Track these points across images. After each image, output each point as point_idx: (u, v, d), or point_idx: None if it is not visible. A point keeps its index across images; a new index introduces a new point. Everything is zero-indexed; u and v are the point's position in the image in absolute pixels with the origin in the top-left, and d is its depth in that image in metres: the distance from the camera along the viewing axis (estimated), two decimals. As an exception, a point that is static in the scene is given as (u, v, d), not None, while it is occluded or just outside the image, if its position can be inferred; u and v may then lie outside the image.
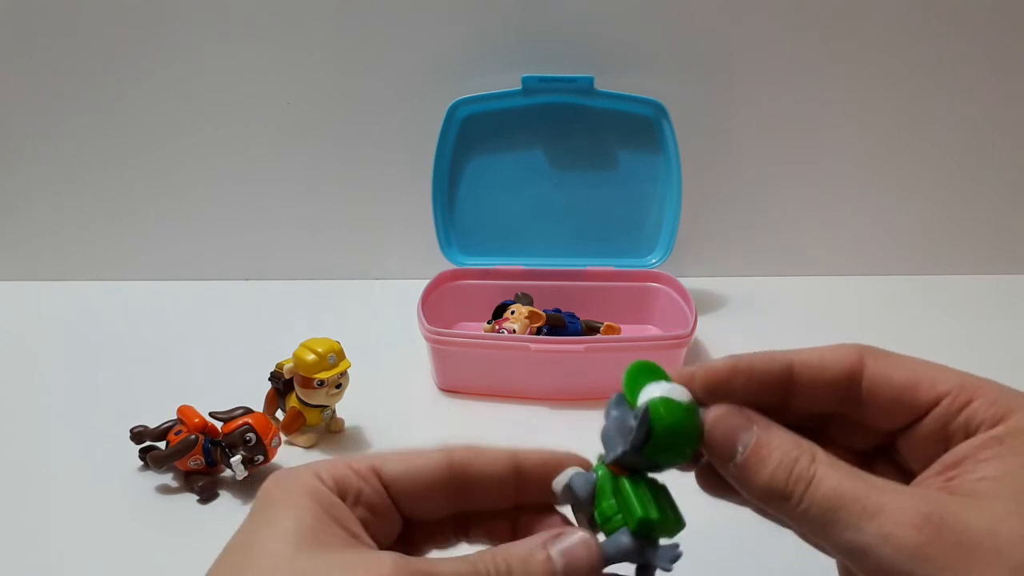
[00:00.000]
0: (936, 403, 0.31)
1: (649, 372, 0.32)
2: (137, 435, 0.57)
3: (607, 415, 0.32)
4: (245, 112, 0.81)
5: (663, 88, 0.77)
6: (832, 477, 0.28)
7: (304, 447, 0.59)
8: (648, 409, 0.30)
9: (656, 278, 0.76)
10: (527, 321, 0.68)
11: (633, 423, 0.30)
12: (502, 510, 0.32)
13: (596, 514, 0.30)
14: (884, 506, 0.27)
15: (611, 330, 0.72)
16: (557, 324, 0.69)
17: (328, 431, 0.61)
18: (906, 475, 0.32)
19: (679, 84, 0.79)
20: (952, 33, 0.79)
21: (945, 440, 0.31)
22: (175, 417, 0.57)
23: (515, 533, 0.32)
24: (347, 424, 0.62)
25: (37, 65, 0.79)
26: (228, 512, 0.53)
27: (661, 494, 0.31)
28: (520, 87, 0.76)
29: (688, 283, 0.74)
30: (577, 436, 0.61)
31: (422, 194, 0.78)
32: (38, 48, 0.78)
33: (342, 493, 0.29)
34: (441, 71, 0.79)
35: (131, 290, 0.85)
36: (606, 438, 0.31)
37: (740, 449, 0.30)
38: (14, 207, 0.85)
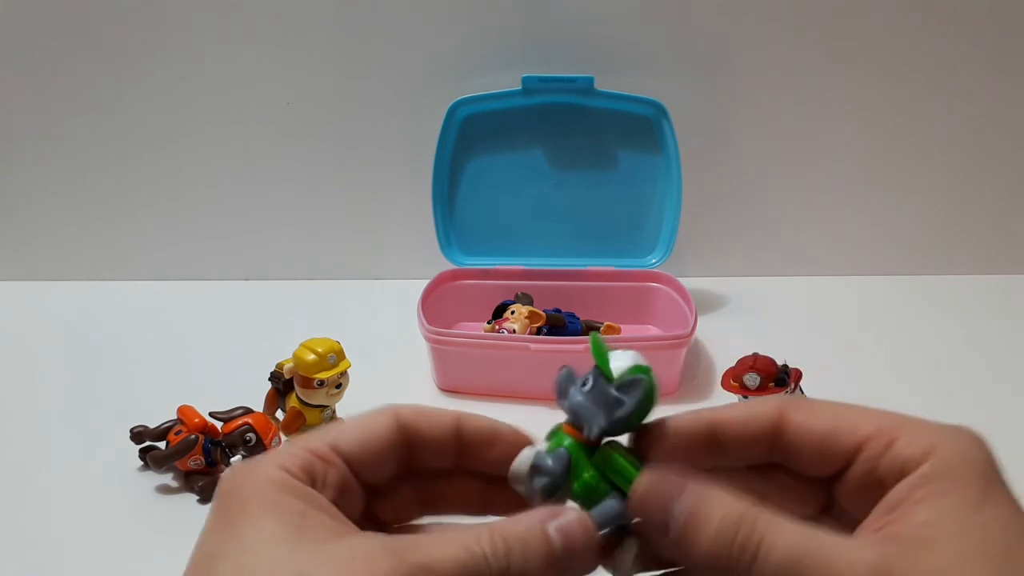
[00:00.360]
0: (860, 448, 0.31)
1: (601, 344, 0.33)
2: (137, 435, 0.57)
3: (572, 391, 0.32)
4: (245, 112, 0.81)
5: (663, 88, 0.77)
6: (782, 539, 0.27)
7: (304, 447, 0.59)
8: (646, 378, 0.31)
9: (656, 278, 0.76)
10: (527, 321, 0.67)
11: (619, 394, 0.31)
12: (468, 482, 0.33)
13: (576, 487, 0.30)
14: (834, 564, 0.26)
15: (611, 330, 0.72)
16: (557, 324, 0.69)
17: (328, 431, 0.61)
18: (851, 527, 0.31)
19: (679, 84, 0.79)
20: (952, 33, 0.79)
21: (879, 484, 0.30)
22: (175, 417, 0.57)
23: (486, 506, 0.32)
24: (347, 424, 0.62)
25: (37, 65, 0.79)
26: (228, 512, 0.53)
27: (630, 451, 0.31)
28: (520, 87, 0.76)
29: (688, 283, 0.74)
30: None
31: (422, 194, 0.78)
32: (38, 48, 0.78)
33: (311, 480, 0.28)
34: (441, 71, 0.79)
35: (131, 290, 0.85)
36: (583, 412, 0.32)
37: (677, 517, 0.28)
38: (14, 207, 0.85)
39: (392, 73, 0.79)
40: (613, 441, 0.32)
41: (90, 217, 0.85)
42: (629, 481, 0.30)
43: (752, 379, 0.55)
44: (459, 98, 0.76)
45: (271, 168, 0.83)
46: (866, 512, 0.30)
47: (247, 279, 0.87)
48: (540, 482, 0.31)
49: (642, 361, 0.32)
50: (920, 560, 0.27)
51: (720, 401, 0.61)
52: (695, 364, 0.70)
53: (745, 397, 0.56)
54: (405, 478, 0.32)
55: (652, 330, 0.76)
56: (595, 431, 0.31)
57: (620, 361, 0.32)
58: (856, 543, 0.28)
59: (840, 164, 0.84)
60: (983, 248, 0.87)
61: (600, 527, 0.29)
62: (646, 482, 0.29)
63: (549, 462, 0.31)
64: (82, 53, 0.78)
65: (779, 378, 0.56)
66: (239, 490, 0.28)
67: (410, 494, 0.32)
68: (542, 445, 0.32)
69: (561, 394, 0.33)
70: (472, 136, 0.77)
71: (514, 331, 0.66)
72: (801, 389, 0.60)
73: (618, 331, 0.72)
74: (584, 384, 0.32)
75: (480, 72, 0.78)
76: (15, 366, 0.72)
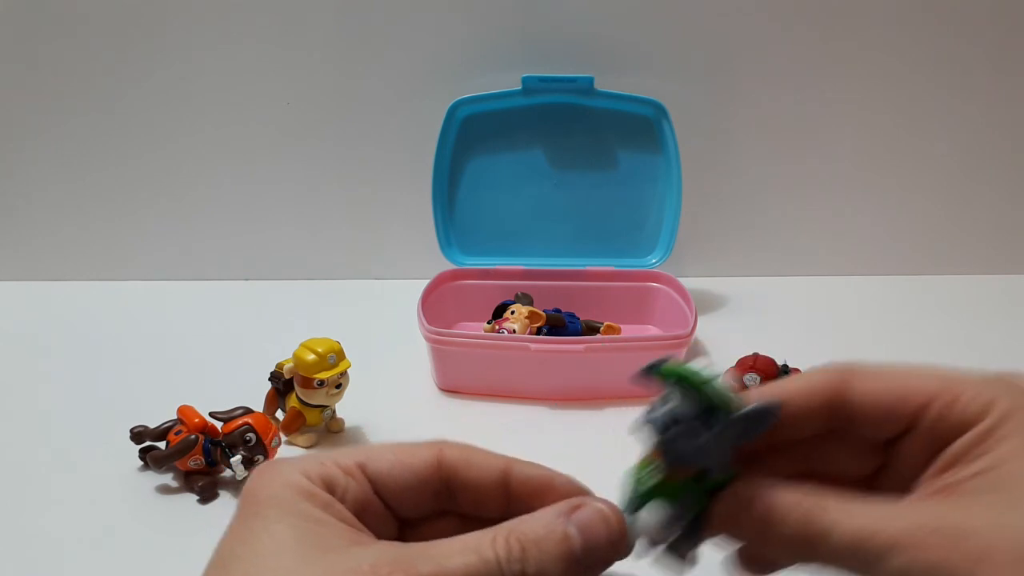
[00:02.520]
0: (925, 408, 0.32)
1: (680, 373, 0.31)
2: (137, 435, 0.57)
3: (668, 423, 0.30)
4: (245, 112, 0.81)
5: (663, 88, 0.77)
6: (846, 523, 0.29)
7: (304, 447, 0.59)
8: (767, 405, 0.31)
9: (656, 278, 0.76)
10: (527, 321, 0.67)
11: (747, 427, 0.30)
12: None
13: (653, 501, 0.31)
14: (897, 534, 0.28)
15: (611, 330, 0.72)
16: (557, 324, 0.69)
17: (328, 431, 0.61)
18: (909, 481, 0.32)
19: (679, 84, 0.79)
20: (952, 33, 0.79)
21: (940, 441, 0.31)
22: (175, 417, 0.57)
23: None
24: (347, 424, 0.62)
25: (37, 65, 0.79)
26: (228, 512, 0.53)
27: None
28: (520, 87, 0.76)
29: (688, 283, 0.74)
30: (577, 436, 0.62)
31: (422, 194, 0.78)
32: (38, 48, 0.78)
33: (330, 490, 0.28)
34: (441, 71, 0.79)
35: (131, 290, 0.85)
36: (692, 450, 0.31)
37: (756, 522, 0.30)
38: (14, 207, 0.85)
39: (392, 73, 0.79)
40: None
41: (90, 217, 0.85)
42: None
43: (752, 379, 0.55)
44: (459, 98, 0.76)
45: (271, 168, 0.83)
46: (923, 468, 0.31)
47: (247, 279, 0.87)
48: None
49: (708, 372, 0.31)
50: (975, 511, 0.28)
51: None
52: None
53: (745, 397, 0.56)
54: (447, 512, 0.31)
55: (652, 330, 0.76)
56: (717, 472, 0.31)
57: (719, 387, 0.31)
58: (913, 508, 0.30)
59: (840, 164, 0.84)
60: (983, 248, 0.87)
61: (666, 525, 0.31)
62: (726, 498, 0.31)
63: (652, 517, 0.31)
64: (83, 53, 0.79)
65: (779, 378, 0.56)
66: (259, 491, 0.28)
67: (452, 529, 0.30)
68: (629, 482, 0.32)
69: (680, 442, 0.31)
70: (472, 136, 0.77)
71: (514, 331, 0.66)
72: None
73: (618, 331, 0.72)
74: (709, 427, 0.30)
75: (480, 72, 0.78)
76: (15, 366, 0.72)
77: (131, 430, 0.57)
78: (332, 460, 0.29)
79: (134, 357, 0.72)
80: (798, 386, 0.33)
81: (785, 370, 0.57)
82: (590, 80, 0.76)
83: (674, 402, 0.30)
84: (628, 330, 0.74)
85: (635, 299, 0.76)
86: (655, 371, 0.30)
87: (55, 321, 0.80)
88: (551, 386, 0.65)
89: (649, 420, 0.30)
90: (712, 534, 0.32)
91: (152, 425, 0.57)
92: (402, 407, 0.65)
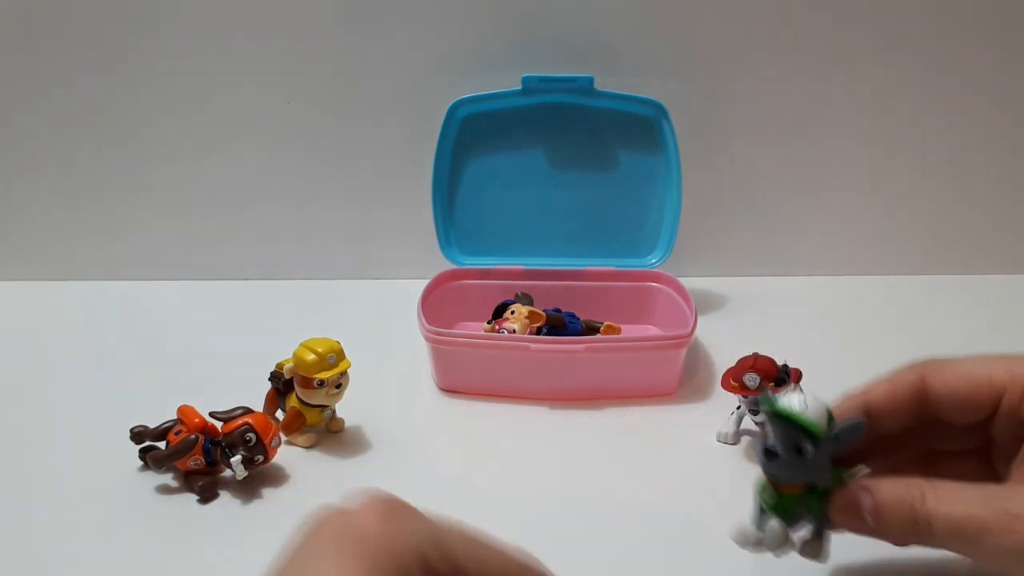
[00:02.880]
0: (999, 398, 0.36)
1: (773, 409, 0.37)
2: (137, 435, 0.57)
3: (770, 455, 0.37)
4: (245, 112, 0.81)
5: (663, 88, 0.77)
6: (941, 512, 0.34)
7: (304, 447, 0.59)
8: (862, 420, 0.37)
9: (656, 278, 0.76)
10: (527, 321, 0.67)
11: (837, 445, 0.37)
12: None
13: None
14: (986, 520, 0.32)
15: (611, 330, 0.72)
16: (557, 324, 0.69)
17: (328, 431, 0.61)
18: (1011, 457, 0.37)
19: (679, 84, 0.79)
20: (953, 33, 0.79)
21: (1022, 427, 0.36)
22: (175, 417, 0.57)
23: None
24: (347, 424, 0.62)
25: (35, 63, 0.79)
26: (228, 512, 0.53)
27: None
28: (520, 87, 0.76)
29: (688, 283, 0.74)
30: (577, 436, 0.62)
31: (422, 194, 0.78)
32: (37, 46, 0.78)
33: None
34: (441, 71, 0.79)
35: (131, 290, 0.85)
36: (792, 472, 0.37)
37: (868, 517, 0.36)
38: (14, 207, 0.85)
39: (392, 73, 0.79)
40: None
41: (89, 217, 0.85)
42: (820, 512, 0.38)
43: (752, 379, 0.55)
44: (459, 98, 0.76)
45: (271, 168, 0.83)
46: (1018, 448, 0.36)
47: (247, 279, 0.87)
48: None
49: (809, 399, 0.37)
50: None
51: (720, 401, 0.61)
52: (695, 364, 0.70)
53: (746, 397, 0.56)
54: None
55: (652, 330, 0.76)
56: (822, 483, 0.37)
57: (799, 402, 0.37)
58: (1000, 493, 0.34)
59: (840, 164, 0.84)
60: (983, 248, 0.87)
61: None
62: (837, 502, 0.37)
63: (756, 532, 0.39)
64: (82, 52, 0.79)
65: (779, 378, 0.56)
66: (326, 536, 0.29)
67: None
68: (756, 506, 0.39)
69: (782, 468, 0.37)
70: (472, 136, 0.77)
71: (514, 331, 0.66)
72: (801, 389, 0.60)
73: (618, 331, 0.72)
74: (803, 452, 0.36)
75: (480, 72, 0.78)
76: (15, 366, 0.72)
77: (131, 430, 0.57)
78: (432, 537, 0.30)
79: (134, 357, 0.72)
80: (884, 388, 0.38)
81: (785, 370, 0.57)
82: (590, 80, 0.76)
83: (772, 434, 0.37)
84: (628, 330, 0.74)
85: (635, 299, 0.76)
86: (765, 405, 0.37)
87: (55, 321, 0.80)
88: (551, 386, 0.65)
89: (757, 452, 0.37)
90: (836, 529, 0.38)
91: (152, 425, 0.57)
92: (402, 407, 0.65)
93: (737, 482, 0.56)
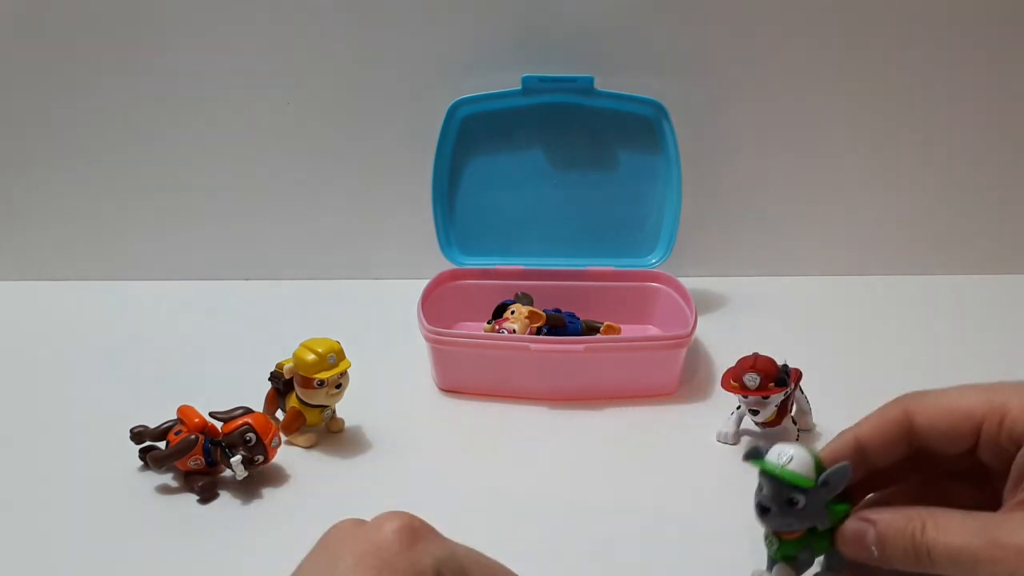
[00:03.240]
0: (979, 428, 0.37)
1: (761, 465, 0.40)
2: (137, 435, 0.57)
3: (763, 509, 0.40)
4: (245, 112, 0.81)
5: (663, 88, 0.77)
6: (938, 542, 0.35)
7: (304, 447, 0.59)
8: (840, 470, 0.39)
9: (656, 278, 0.76)
10: (527, 321, 0.67)
11: (826, 493, 0.39)
12: None
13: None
14: (978, 549, 0.34)
15: (611, 330, 0.72)
16: (557, 324, 0.69)
17: (328, 431, 0.61)
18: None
19: (679, 84, 0.79)
20: (953, 33, 0.79)
21: (1006, 454, 0.36)
22: (175, 417, 0.57)
23: None
24: (347, 424, 0.62)
25: (36, 63, 0.79)
26: (228, 512, 0.53)
27: None
28: (520, 87, 0.76)
29: (688, 283, 0.74)
30: (577, 436, 0.62)
31: (422, 194, 0.78)
32: (39, 50, 0.78)
33: None
34: (441, 71, 0.79)
35: (131, 290, 0.85)
36: (788, 521, 0.40)
37: (872, 549, 0.37)
38: (14, 207, 0.85)
39: (392, 73, 0.79)
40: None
41: (90, 217, 0.85)
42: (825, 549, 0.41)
43: (752, 379, 0.55)
44: (459, 98, 0.76)
45: (271, 168, 0.83)
46: (1007, 475, 0.37)
47: (247, 279, 0.87)
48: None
49: (794, 450, 0.39)
50: None
51: (720, 401, 0.61)
52: (695, 364, 0.70)
53: (746, 397, 0.56)
54: None
55: (652, 330, 0.76)
56: (821, 525, 0.40)
57: (784, 456, 0.39)
58: (993, 522, 0.35)
59: (840, 164, 0.84)
60: (983, 248, 0.87)
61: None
62: (843, 536, 0.39)
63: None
64: (83, 52, 0.79)
65: (779, 378, 0.56)
66: (346, 552, 0.30)
67: None
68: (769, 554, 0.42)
69: (777, 520, 0.40)
70: (472, 136, 0.77)
71: (514, 331, 0.66)
72: (801, 389, 0.60)
73: (618, 331, 0.72)
74: (794, 503, 0.39)
75: (480, 72, 0.78)
76: (15, 366, 0.72)
77: (131, 430, 0.57)
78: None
79: (134, 357, 0.72)
80: (871, 424, 0.40)
81: (785, 370, 0.56)
82: (590, 80, 0.76)
83: (764, 490, 0.39)
84: (628, 330, 0.74)
85: (635, 299, 0.76)
86: (751, 462, 0.40)
87: (55, 321, 0.80)
88: (551, 386, 0.65)
89: (755, 507, 0.40)
90: (847, 559, 0.40)
91: (152, 425, 0.57)
92: (402, 407, 0.65)
93: (737, 482, 0.56)
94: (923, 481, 0.42)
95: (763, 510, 0.39)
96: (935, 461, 0.40)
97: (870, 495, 0.42)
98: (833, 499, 0.39)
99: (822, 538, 0.40)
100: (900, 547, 0.36)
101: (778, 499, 0.39)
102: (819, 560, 0.42)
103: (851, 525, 0.39)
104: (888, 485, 0.42)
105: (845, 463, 0.38)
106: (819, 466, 0.39)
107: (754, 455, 0.40)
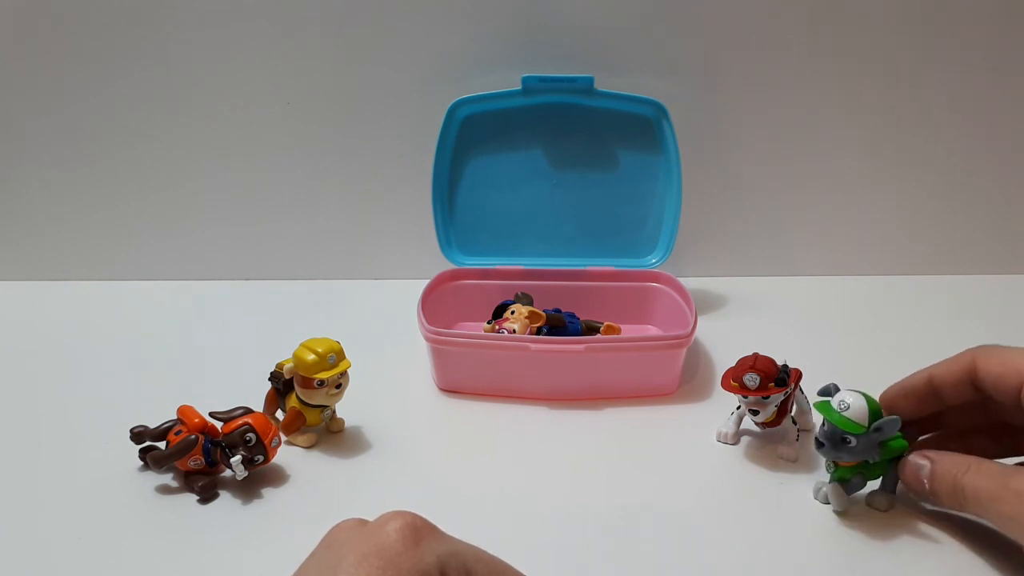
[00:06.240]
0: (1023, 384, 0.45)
1: (820, 408, 0.49)
2: (137, 435, 0.57)
3: (820, 443, 0.49)
4: (245, 112, 0.81)
5: (663, 88, 0.77)
6: (971, 482, 0.44)
7: (304, 447, 0.59)
8: (896, 419, 0.48)
9: (656, 278, 0.76)
10: (527, 321, 0.67)
11: (877, 436, 0.48)
12: None
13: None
14: (994, 491, 0.43)
15: (611, 330, 0.72)
16: (557, 324, 0.69)
17: (328, 431, 0.61)
18: None
19: (679, 84, 0.79)
20: (952, 33, 0.79)
21: None
22: (175, 417, 0.57)
23: None
24: (347, 424, 0.62)
25: (35, 62, 0.79)
26: (228, 512, 0.53)
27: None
28: (520, 87, 0.76)
29: (688, 283, 0.74)
30: (577, 436, 0.62)
31: (422, 194, 0.78)
32: (36, 46, 0.78)
33: None
34: (441, 71, 0.79)
35: (131, 290, 0.85)
36: (842, 455, 0.49)
37: (925, 482, 0.47)
38: (14, 207, 0.85)
39: (392, 73, 0.79)
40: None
41: (89, 217, 0.85)
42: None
43: (752, 379, 0.55)
44: (459, 98, 0.76)
45: (271, 168, 0.83)
46: None
47: (247, 279, 0.87)
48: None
49: (852, 399, 0.48)
50: None
51: (720, 401, 0.61)
52: (695, 364, 0.70)
53: (746, 397, 0.56)
54: None
55: (652, 330, 0.76)
56: (872, 460, 0.50)
57: (844, 404, 0.48)
58: (1014, 471, 0.43)
59: (840, 164, 0.84)
60: (983, 248, 0.87)
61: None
62: (904, 467, 0.49)
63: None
64: (82, 52, 0.79)
65: (779, 378, 0.56)
66: (350, 551, 0.30)
67: None
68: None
69: (831, 453, 0.49)
70: (472, 136, 0.77)
71: (514, 331, 0.66)
72: (801, 389, 0.60)
73: (618, 331, 0.72)
74: (847, 442, 0.48)
75: (480, 72, 0.78)
76: (15, 366, 0.72)
77: (131, 430, 0.57)
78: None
79: (134, 357, 0.72)
80: (945, 366, 0.49)
81: (785, 370, 0.56)
82: (590, 80, 0.76)
83: (825, 427, 0.48)
84: (628, 330, 0.74)
85: (635, 299, 0.76)
86: (817, 403, 0.49)
87: (55, 321, 0.80)
88: (551, 386, 0.65)
89: (814, 439, 0.49)
90: (896, 486, 0.50)
91: (152, 425, 0.57)
92: (402, 407, 0.65)
93: (737, 482, 0.56)
94: (989, 428, 0.50)
95: (819, 444, 0.48)
96: (996, 410, 0.48)
97: (928, 435, 0.52)
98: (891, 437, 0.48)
99: (874, 468, 0.50)
100: (945, 484, 0.45)
101: (832, 438, 0.48)
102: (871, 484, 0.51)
103: (913, 459, 0.48)
104: (955, 426, 0.51)
105: (896, 416, 0.47)
106: (875, 414, 0.47)
107: (825, 393, 0.49)
